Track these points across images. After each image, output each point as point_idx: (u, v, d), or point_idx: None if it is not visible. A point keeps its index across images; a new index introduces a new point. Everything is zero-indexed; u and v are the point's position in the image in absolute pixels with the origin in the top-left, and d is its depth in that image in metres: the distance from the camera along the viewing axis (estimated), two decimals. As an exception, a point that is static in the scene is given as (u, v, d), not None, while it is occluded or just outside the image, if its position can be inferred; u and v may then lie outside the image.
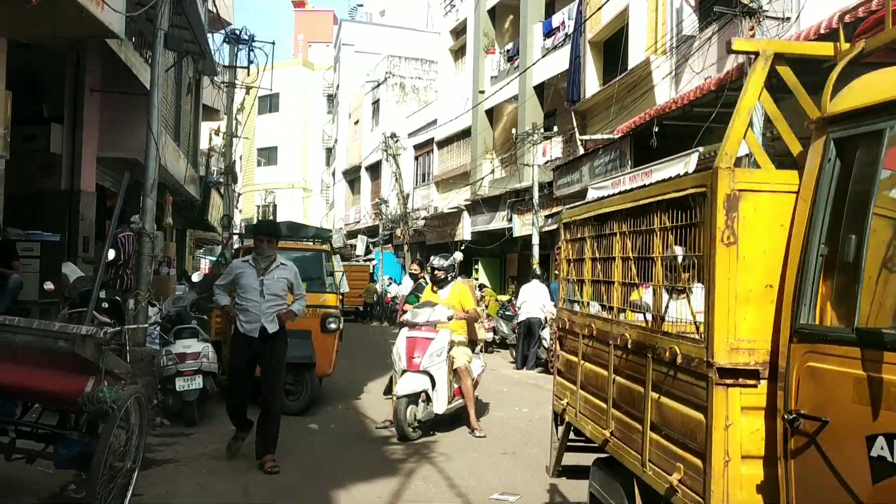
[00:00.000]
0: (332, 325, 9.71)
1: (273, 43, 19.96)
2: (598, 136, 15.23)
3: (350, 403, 10.38)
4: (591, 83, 18.72)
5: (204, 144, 25.75)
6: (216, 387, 8.54)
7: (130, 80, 12.27)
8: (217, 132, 20.80)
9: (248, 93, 20.13)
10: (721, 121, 11.91)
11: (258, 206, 53.78)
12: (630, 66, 16.28)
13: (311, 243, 11.13)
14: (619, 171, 14.35)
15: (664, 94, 15.18)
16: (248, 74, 20.28)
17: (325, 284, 10.27)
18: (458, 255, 27.90)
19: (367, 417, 9.39)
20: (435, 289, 9.01)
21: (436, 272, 8.96)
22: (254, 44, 20.04)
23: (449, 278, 8.99)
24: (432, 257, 9.44)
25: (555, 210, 19.43)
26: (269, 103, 56.08)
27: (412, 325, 8.48)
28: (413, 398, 8.04)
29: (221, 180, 20.41)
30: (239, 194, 40.86)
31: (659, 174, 11.46)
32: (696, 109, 12.32)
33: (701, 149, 10.37)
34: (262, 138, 55.95)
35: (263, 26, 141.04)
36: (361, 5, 56.00)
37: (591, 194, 14.30)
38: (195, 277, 9.93)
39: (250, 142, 56.99)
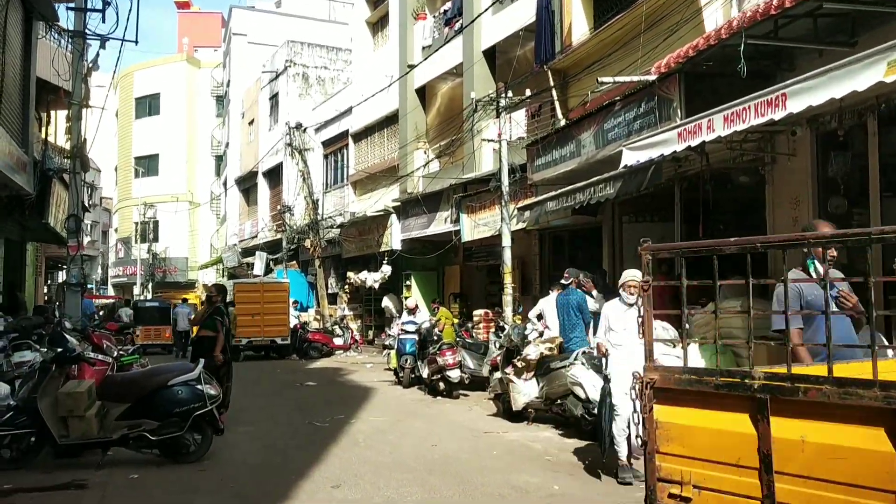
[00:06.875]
0: None
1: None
2: (627, 79, 10.38)
3: None
4: (579, 27, 13.99)
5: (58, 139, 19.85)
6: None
7: None
8: (60, 97, 14.91)
9: (103, 46, 14.41)
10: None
11: (136, 223, 46.58)
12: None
13: None
14: (663, 124, 9.61)
15: (711, 23, 10.68)
16: (104, 21, 14.60)
17: None
18: (387, 269, 22.79)
19: None
20: None
21: None
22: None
23: None
24: None
25: (528, 201, 14.49)
26: (149, 105, 49.32)
27: None
28: None
29: (66, 167, 14.52)
30: (95, 193, 33.73)
31: (804, 98, 6.70)
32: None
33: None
34: (140, 145, 49.04)
35: (142, 27, 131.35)
36: (253, 7, 49.00)
37: (630, 157, 9.49)
38: None
39: (126, 149, 50.00)
